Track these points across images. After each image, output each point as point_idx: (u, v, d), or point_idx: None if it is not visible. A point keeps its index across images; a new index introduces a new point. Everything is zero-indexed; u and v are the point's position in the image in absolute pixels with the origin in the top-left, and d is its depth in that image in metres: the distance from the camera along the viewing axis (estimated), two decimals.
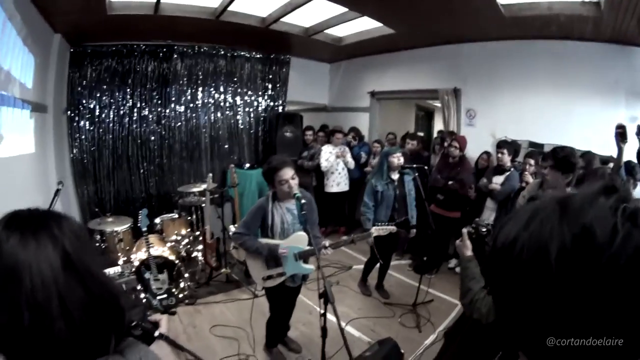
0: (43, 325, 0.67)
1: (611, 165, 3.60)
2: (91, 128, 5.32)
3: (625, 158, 3.27)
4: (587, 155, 3.80)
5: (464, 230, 1.88)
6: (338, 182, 5.93)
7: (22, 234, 0.70)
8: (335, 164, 5.81)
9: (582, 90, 4.54)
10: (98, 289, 0.75)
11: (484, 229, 1.87)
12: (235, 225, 4.67)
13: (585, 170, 3.55)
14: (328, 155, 5.75)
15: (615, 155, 2.96)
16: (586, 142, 4.27)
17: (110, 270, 3.04)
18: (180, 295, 3.95)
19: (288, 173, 2.57)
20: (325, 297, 2.03)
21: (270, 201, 2.68)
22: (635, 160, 3.52)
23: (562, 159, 2.49)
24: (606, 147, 3.82)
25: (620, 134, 2.66)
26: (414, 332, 3.60)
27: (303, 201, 2.42)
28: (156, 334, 1.11)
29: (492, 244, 0.57)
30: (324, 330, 2.23)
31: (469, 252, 1.82)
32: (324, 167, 5.78)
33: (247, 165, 6.41)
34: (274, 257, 2.67)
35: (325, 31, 5.59)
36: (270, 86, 6.94)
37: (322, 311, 2.17)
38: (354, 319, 3.76)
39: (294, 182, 2.59)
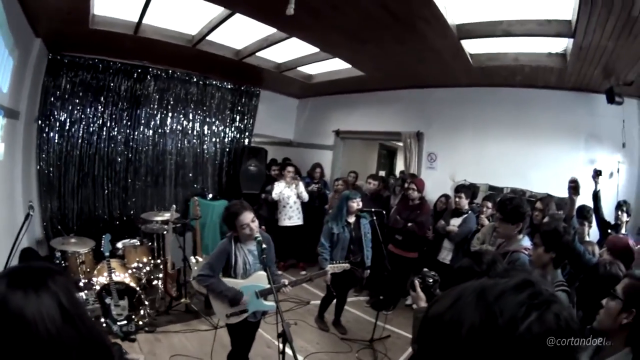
0: None
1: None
2: (60, 141, 5.26)
3: (581, 201, 3.56)
4: (545, 199, 4.03)
5: (416, 282, 2.03)
6: (290, 216, 5.88)
7: (25, 292, 0.80)
8: (286, 198, 5.81)
9: (543, 134, 4.80)
10: (89, 333, 0.87)
11: (431, 280, 2.02)
12: (196, 256, 4.72)
13: (543, 213, 3.83)
14: (280, 189, 5.77)
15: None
16: (546, 185, 4.58)
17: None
18: (140, 323, 3.92)
19: (248, 217, 2.68)
20: (284, 337, 2.16)
21: (232, 243, 2.78)
22: (591, 201, 3.78)
23: (510, 211, 2.61)
24: (565, 188, 4.08)
25: (574, 188, 2.88)
26: None
27: (264, 246, 2.53)
28: None
29: (425, 313, 0.72)
30: None
31: (422, 303, 1.97)
32: (274, 198, 5.79)
33: (210, 195, 6.40)
34: (236, 301, 2.76)
35: (297, 68, 5.74)
36: (238, 117, 7.03)
37: (281, 350, 2.26)
38: (312, 354, 3.82)
39: (254, 225, 2.71)
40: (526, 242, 2.62)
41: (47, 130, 5.13)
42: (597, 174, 3.57)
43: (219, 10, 3.93)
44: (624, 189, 4.39)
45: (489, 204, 4.44)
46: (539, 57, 4.11)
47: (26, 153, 4.70)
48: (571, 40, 3.40)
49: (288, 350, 2.17)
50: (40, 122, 5.04)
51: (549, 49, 3.98)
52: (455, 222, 4.48)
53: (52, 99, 5.09)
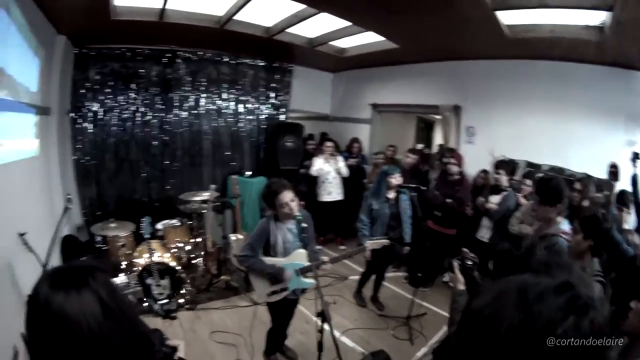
0: None
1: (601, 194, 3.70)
2: (94, 130, 5.35)
3: (621, 185, 3.36)
4: (584, 180, 3.89)
5: (455, 264, 2.01)
6: (329, 192, 5.91)
7: (67, 292, 0.82)
8: (325, 173, 5.82)
9: (581, 112, 4.55)
10: (130, 325, 0.89)
11: (470, 262, 2.02)
12: (236, 234, 4.80)
13: (582, 195, 3.67)
14: (319, 165, 5.81)
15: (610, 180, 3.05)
16: (584, 165, 4.36)
17: (116, 280, 3.13)
18: (181, 301, 4.04)
19: (287, 196, 2.67)
20: (323, 317, 2.18)
21: (272, 222, 2.80)
22: (630, 185, 3.57)
23: (547, 192, 2.52)
24: (604, 169, 3.89)
25: (613, 173, 2.75)
26: (406, 345, 3.71)
27: (304, 225, 2.53)
28: (175, 357, 1.21)
29: (467, 305, 0.77)
30: (320, 345, 2.35)
31: (461, 287, 1.94)
32: (313, 174, 5.85)
33: (249, 173, 6.44)
34: (279, 277, 2.79)
35: (329, 43, 5.62)
36: (273, 94, 6.98)
37: (320, 328, 2.29)
38: (349, 330, 3.86)
39: (294, 204, 2.70)
40: (565, 225, 2.54)
41: (80, 121, 5.22)
42: (635, 156, 3.39)
43: None
44: None
45: (528, 182, 4.33)
46: (574, 29, 3.85)
47: (61, 146, 4.81)
48: (610, 13, 3.17)
49: (327, 327, 2.19)
50: (73, 114, 5.11)
51: (585, 21, 3.72)
52: (494, 200, 4.37)
53: (83, 91, 5.16)
